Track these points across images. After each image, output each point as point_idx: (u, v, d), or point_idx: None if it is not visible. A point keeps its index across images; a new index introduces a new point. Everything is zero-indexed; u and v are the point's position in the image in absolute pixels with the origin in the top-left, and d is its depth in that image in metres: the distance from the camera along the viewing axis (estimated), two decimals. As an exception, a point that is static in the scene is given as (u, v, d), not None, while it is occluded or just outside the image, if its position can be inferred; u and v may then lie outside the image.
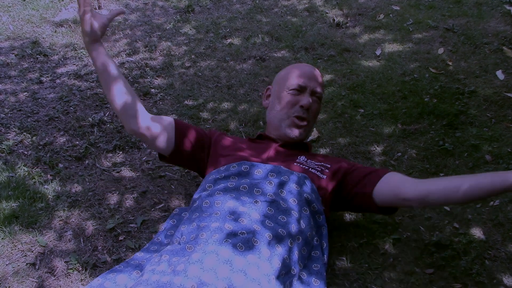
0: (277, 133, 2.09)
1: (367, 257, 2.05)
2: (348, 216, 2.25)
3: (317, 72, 2.11)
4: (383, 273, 1.99)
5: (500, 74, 3.17)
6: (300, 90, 2.04)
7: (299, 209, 1.78)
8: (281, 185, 1.83)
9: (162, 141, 2.00)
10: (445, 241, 2.11)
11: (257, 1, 4.31)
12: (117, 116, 1.96)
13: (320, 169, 1.98)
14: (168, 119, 2.03)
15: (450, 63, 3.31)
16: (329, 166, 2.00)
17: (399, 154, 2.61)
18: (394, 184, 1.85)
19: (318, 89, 2.06)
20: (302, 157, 2.03)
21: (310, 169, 1.96)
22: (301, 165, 1.97)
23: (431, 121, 2.83)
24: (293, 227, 1.71)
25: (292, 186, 1.84)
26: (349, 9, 4.10)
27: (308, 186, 1.87)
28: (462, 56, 3.41)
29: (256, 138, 2.20)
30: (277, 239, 1.62)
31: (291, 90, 2.04)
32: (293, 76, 2.06)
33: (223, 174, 1.91)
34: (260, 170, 1.89)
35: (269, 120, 2.15)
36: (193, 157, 2.07)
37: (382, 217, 2.23)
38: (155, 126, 1.96)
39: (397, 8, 4.09)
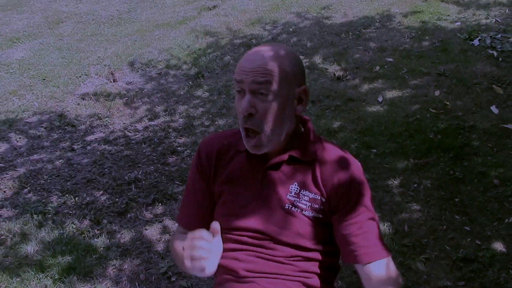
0: None
1: (402, 275, 2.25)
2: (379, 242, 2.45)
3: (265, 53, 1.38)
4: (419, 288, 2.18)
5: (494, 109, 3.48)
6: (240, 89, 1.39)
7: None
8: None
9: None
10: (471, 256, 2.32)
11: (261, 64, 4.66)
12: None
13: (310, 205, 1.44)
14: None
15: (448, 103, 3.62)
16: (323, 201, 1.43)
17: (415, 185, 2.85)
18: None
19: (258, 78, 1.34)
20: (294, 185, 1.46)
21: (298, 210, 1.44)
22: (292, 202, 1.45)
23: (439, 154, 3.09)
24: None
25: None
26: (346, 64, 4.46)
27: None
28: (457, 96, 3.73)
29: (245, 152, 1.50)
30: None
31: (236, 91, 1.42)
32: (236, 71, 1.41)
33: None
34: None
35: None
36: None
37: (410, 240, 2.44)
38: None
39: (391, 59, 4.45)
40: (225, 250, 1.44)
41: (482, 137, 3.21)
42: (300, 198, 1.46)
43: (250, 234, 1.45)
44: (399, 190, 2.83)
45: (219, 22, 5.74)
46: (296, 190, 1.47)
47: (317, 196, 1.43)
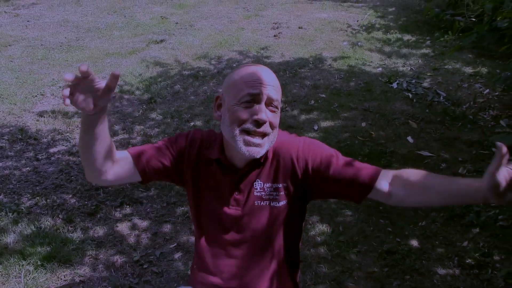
0: (235, 151, 1.63)
1: (339, 264, 2.74)
2: (320, 238, 2.94)
3: (270, 72, 1.61)
4: (352, 273, 2.68)
5: (410, 139, 4.15)
6: (252, 100, 1.56)
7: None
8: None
9: (127, 178, 1.68)
10: (393, 249, 2.86)
11: (209, 94, 5.13)
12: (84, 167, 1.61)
13: (273, 196, 1.67)
14: (125, 156, 1.64)
15: (372, 133, 4.26)
16: (284, 185, 1.66)
17: (347, 196, 3.38)
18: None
19: (274, 96, 1.56)
20: (258, 182, 1.67)
21: (271, 202, 1.66)
22: (260, 197, 1.67)
23: (366, 173, 3.66)
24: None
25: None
26: (285, 98, 5.03)
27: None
28: (379, 127, 4.38)
29: (216, 162, 1.69)
30: None
31: (242, 102, 1.56)
32: (242, 83, 1.58)
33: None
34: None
35: (225, 136, 1.65)
36: (164, 172, 1.71)
37: (344, 238, 2.94)
38: (118, 171, 1.63)
39: (323, 95, 5.08)
40: (204, 257, 1.71)
41: (401, 160, 3.84)
42: (265, 191, 1.66)
43: (229, 239, 1.68)
44: (334, 200, 3.36)
45: (167, 54, 6.19)
46: (261, 185, 1.66)
47: (279, 185, 1.64)
